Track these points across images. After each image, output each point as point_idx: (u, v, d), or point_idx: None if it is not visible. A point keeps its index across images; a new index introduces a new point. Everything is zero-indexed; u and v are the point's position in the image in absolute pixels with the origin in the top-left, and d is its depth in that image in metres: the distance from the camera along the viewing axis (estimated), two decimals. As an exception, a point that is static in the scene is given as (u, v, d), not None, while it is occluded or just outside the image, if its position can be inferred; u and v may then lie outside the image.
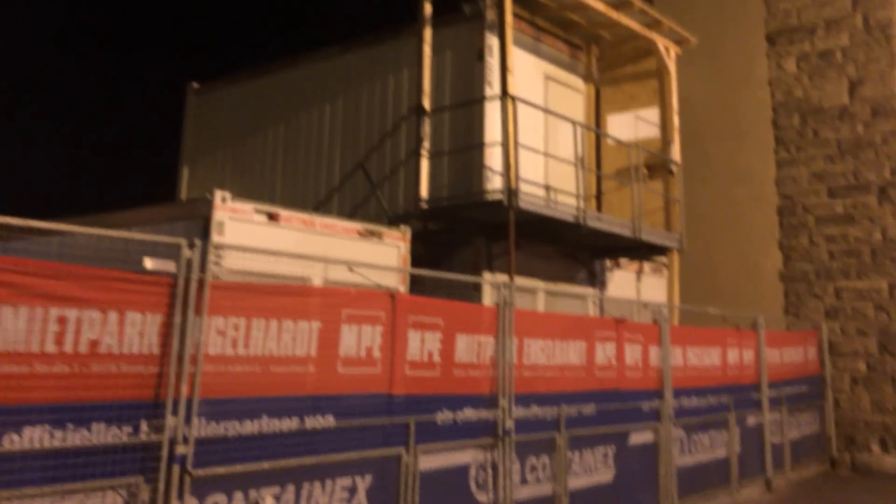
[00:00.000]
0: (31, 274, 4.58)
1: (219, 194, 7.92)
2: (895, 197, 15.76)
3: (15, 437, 4.51)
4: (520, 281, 10.49)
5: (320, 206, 12.32)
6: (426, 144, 10.68)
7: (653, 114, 13.35)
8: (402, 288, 9.19)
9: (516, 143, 9.67)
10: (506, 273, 10.88)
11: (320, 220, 9.01)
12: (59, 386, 4.69)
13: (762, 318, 13.38)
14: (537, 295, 11.35)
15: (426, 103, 10.82)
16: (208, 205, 7.90)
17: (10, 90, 29.22)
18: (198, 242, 5.37)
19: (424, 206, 10.51)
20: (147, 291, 5.13)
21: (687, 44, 13.55)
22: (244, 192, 14.04)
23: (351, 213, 11.73)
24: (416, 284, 8.98)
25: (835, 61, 16.77)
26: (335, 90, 13.08)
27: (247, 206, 8.23)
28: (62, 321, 4.70)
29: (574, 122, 11.43)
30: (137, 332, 5.06)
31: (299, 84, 13.79)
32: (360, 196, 12.17)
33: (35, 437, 4.58)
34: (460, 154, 10.93)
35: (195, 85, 15.80)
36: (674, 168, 12.87)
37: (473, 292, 10.11)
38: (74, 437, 4.74)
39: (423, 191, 10.55)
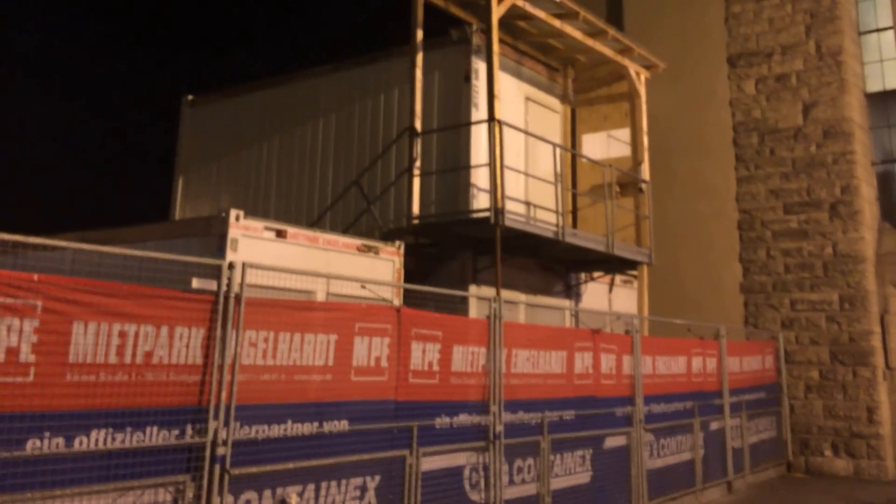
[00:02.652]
0: (98, 293, 5.12)
1: (233, 213, 8.47)
2: (845, 214, 16.80)
3: (84, 438, 5.04)
4: (504, 294, 11.18)
5: (316, 221, 12.85)
6: (417, 164, 11.32)
7: (624, 133, 14.20)
8: (397, 300, 9.82)
9: (502, 164, 10.37)
10: (490, 285, 11.58)
11: (323, 237, 9.60)
12: (120, 393, 5.23)
13: (724, 329, 14.27)
14: (518, 307, 12.04)
15: (418, 125, 11.46)
16: (223, 222, 8.44)
17: (4, 101, 29.16)
18: (236, 263, 5.94)
19: (416, 222, 11.14)
20: (192, 308, 5.70)
21: (656, 69, 14.42)
22: (239, 205, 14.52)
23: (344, 228, 12.29)
24: (407, 296, 9.64)
25: (790, 84, 17.81)
26: (328, 107, 13.62)
27: (258, 224, 8.79)
28: (122, 335, 5.25)
29: (554, 145, 12.16)
30: (184, 344, 5.62)
31: (293, 99, 14.27)
32: (353, 211, 12.72)
33: (100, 439, 5.12)
34: (447, 173, 11.59)
35: (190, 97, 16.13)
36: (643, 186, 13.70)
37: (460, 304, 10.79)
38: (132, 439, 5.28)
39: (415, 208, 11.19)
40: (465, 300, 10.84)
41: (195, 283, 6.40)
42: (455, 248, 11.83)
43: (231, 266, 5.92)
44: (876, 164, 17.76)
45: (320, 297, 8.69)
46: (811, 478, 15.77)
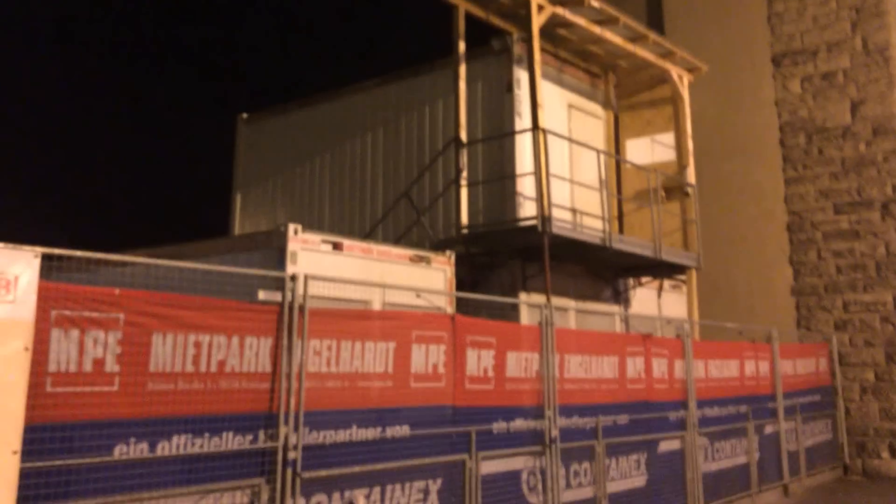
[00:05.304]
0: (174, 306, 5.42)
1: (291, 227, 8.76)
2: (897, 213, 16.59)
3: (166, 443, 5.33)
4: (554, 300, 11.32)
5: (369, 233, 13.14)
6: (464, 174, 11.53)
7: (668, 138, 14.24)
8: (450, 309, 10.02)
9: (548, 172, 10.52)
10: (539, 292, 11.73)
11: (377, 248, 9.84)
12: (196, 400, 5.51)
13: (776, 332, 14.18)
14: (568, 313, 12.15)
15: (463, 135, 11.68)
16: (282, 236, 8.74)
17: (61, 118, 30.20)
18: (300, 275, 6.21)
19: (465, 231, 11.34)
20: (260, 319, 5.98)
21: (699, 72, 14.44)
22: (294, 218, 14.91)
23: (395, 239, 12.56)
24: (460, 305, 9.83)
25: (837, 82, 17.64)
26: (375, 120, 13.94)
27: (315, 237, 9.07)
28: (197, 345, 5.53)
29: (599, 151, 12.28)
30: (254, 353, 5.90)
31: (342, 114, 14.61)
32: (403, 222, 12.98)
33: (181, 444, 5.40)
34: (494, 183, 11.79)
35: (244, 116, 16.62)
36: (689, 190, 13.72)
37: (511, 311, 10.96)
38: (209, 444, 5.56)
39: (464, 217, 11.40)
40: (516, 307, 11.00)
41: (261, 294, 6.68)
42: (504, 257, 12.00)
43: (293, 278, 6.17)
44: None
45: (376, 306, 8.92)
46: (869, 480, 15.54)
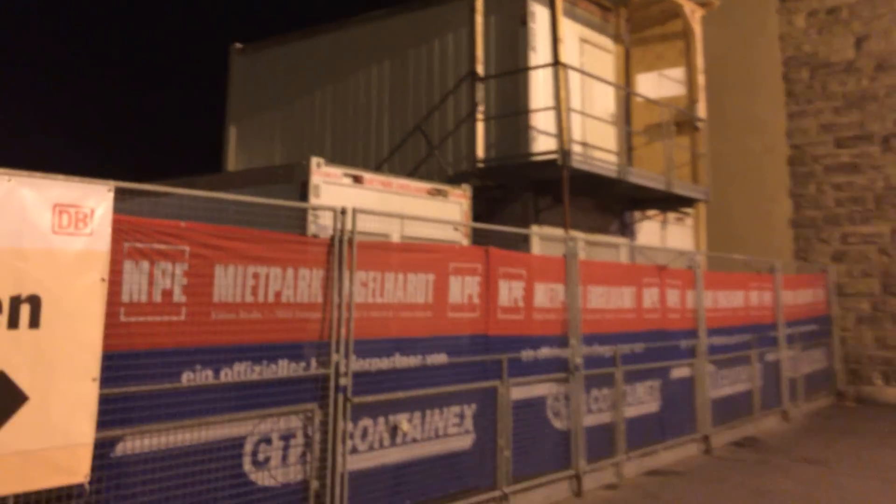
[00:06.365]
0: (234, 238, 5.56)
1: (314, 160, 8.84)
2: (898, 147, 16.82)
3: (228, 370, 5.54)
4: (559, 232, 11.52)
5: (377, 168, 13.17)
6: (481, 108, 11.57)
7: (677, 72, 14.27)
8: (466, 241, 10.19)
9: (568, 107, 10.59)
10: (550, 225, 11.94)
11: (396, 181, 9.95)
12: (255, 329, 5.71)
13: (779, 263, 14.51)
14: (578, 244, 12.35)
15: (480, 70, 11.67)
16: (305, 170, 8.83)
17: (47, 50, 29.49)
18: (348, 209, 6.35)
19: (481, 165, 11.44)
20: (313, 251, 6.14)
21: (711, 6, 14.40)
22: (295, 152, 14.84)
23: (406, 174, 12.62)
24: (475, 236, 10.00)
25: (841, 17, 17.63)
26: (382, 53, 13.79)
27: (336, 171, 9.15)
28: (256, 277, 5.70)
29: (614, 85, 12.33)
30: (307, 284, 6.07)
31: (346, 46, 14.42)
32: (411, 156, 13.02)
33: (241, 371, 5.62)
34: (508, 116, 11.83)
35: (238, 46, 16.35)
36: (700, 125, 13.84)
37: (522, 244, 11.14)
38: (267, 371, 5.78)
39: (480, 151, 11.48)
40: (527, 239, 11.18)
41: (312, 228, 6.82)
42: (517, 190, 12.13)
43: (343, 211, 6.32)
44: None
45: (395, 238, 9.07)
46: (861, 406, 16.13)
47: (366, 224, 7.23)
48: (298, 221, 7.82)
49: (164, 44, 32.92)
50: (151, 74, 31.94)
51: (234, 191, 9.07)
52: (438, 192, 10.53)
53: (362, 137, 14.00)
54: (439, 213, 10.39)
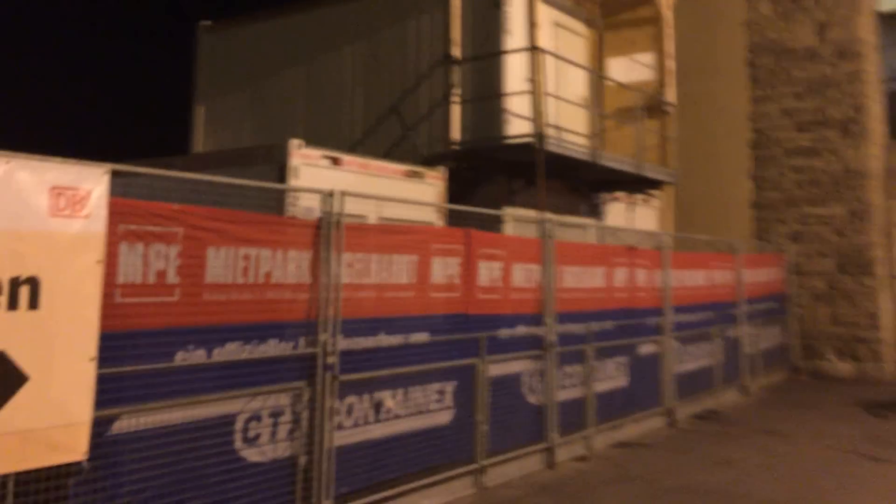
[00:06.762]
0: (225, 220, 5.65)
1: (293, 142, 8.90)
2: (855, 132, 17.33)
3: (220, 350, 5.66)
4: (532, 214, 11.75)
5: (351, 149, 13.19)
6: (457, 91, 11.68)
7: (648, 57, 14.53)
8: (441, 222, 10.36)
9: (544, 92, 10.77)
10: (523, 207, 12.15)
11: (373, 163, 10.06)
12: (246, 310, 5.82)
13: (740, 243, 14.95)
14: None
15: (456, 52, 11.77)
16: (284, 151, 8.89)
17: (15, 30, 28.67)
18: (336, 192, 6.47)
19: (457, 148, 11.59)
20: (301, 233, 6.26)
21: (681, -8, 14.68)
22: (265, 134, 14.75)
23: (380, 155, 12.67)
24: (450, 217, 10.18)
25: (804, 5, 18.03)
26: (356, 33, 13.75)
27: (315, 152, 9.23)
28: (247, 258, 5.81)
29: (589, 70, 12.52)
30: (296, 265, 6.19)
31: (319, 26, 14.28)
32: (383, 139, 13.00)
33: (233, 351, 5.74)
34: (482, 99, 11.95)
35: (206, 24, 16.15)
36: (669, 109, 14.14)
37: (496, 225, 11.34)
38: (257, 351, 5.91)
39: (455, 134, 11.62)
40: (500, 221, 11.37)
41: (301, 210, 6.92)
42: (490, 173, 12.30)
43: (331, 194, 6.43)
44: (885, 82, 18.16)
45: (372, 220, 9.20)
46: (815, 380, 16.74)
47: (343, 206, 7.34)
48: (275, 203, 7.92)
49: (130, 21, 32.24)
50: (115, 52, 31.26)
51: (210, 172, 9.12)
52: (415, 174, 10.66)
53: (335, 119, 13.98)
54: (415, 194, 10.51)
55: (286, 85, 14.81)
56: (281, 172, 8.86)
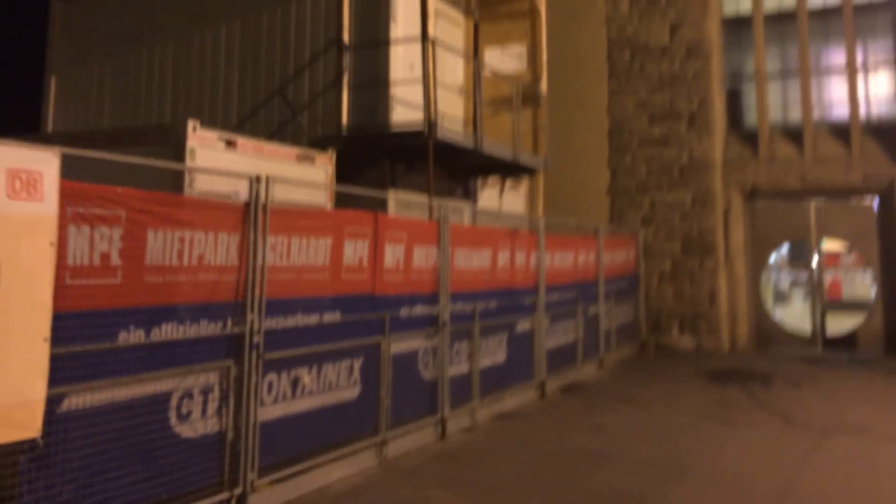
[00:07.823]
0: (163, 204, 5.79)
1: (190, 124, 8.94)
2: (700, 124, 19.07)
3: (157, 330, 5.82)
4: (415, 197, 12.31)
5: (233, 129, 13.13)
6: (346, 77, 11.97)
7: (521, 48, 15.38)
8: (330, 205, 10.71)
9: (435, 82, 11.29)
10: (405, 189, 12.67)
11: (267, 146, 10.23)
12: (181, 291, 6.00)
13: (602, 227, 16.19)
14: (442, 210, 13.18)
15: (346, 37, 12.04)
16: (180, 133, 8.91)
17: None
18: (262, 177, 6.70)
19: (346, 132, 11.89)
20: (230, 217, 6.46)
21: (553, -12, 15.59)
22: (126, 112, 14.36)
23: (265, 138, 12.72)
24: (337, 200, 10.57)
25: (660, 6, 19.57)
26: (232, 12, 13.59)
27: (212, 135, 9.30)
28: (182, 241, 5.97)
29: (474, 61, 13.14)
30: (225, 248, 6.40)
31: (188, 1, 14.07)
32: (265, 121, 13.03)
33: (169, 331, 5.91)
34: (367, 84, 12.27)
35: None
36: (542, 100, 15.05)
37: (380, 207, 11.81)
38: (190, 331, 6.11)
39: (344, 119, 11.91)
40: (384, 203, 11.83)
41: (196, 193, 7.08)
42: (375, 157, 12.70)
43: (259, 180, 6.67)
44: (727, 81, 20.06)
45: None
46: (660, 353, 18.41)
47: (236, 187, 7.56)
48: (170, 184, 8.01)
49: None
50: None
51: (101, 151, 9.01)
52: (306, 158, 10.90)
53: (209, 98, 13.79)
54: (307, 177, 10.77)
55: (152, 61, 14.42)
56: (177, 153, 8.86)
